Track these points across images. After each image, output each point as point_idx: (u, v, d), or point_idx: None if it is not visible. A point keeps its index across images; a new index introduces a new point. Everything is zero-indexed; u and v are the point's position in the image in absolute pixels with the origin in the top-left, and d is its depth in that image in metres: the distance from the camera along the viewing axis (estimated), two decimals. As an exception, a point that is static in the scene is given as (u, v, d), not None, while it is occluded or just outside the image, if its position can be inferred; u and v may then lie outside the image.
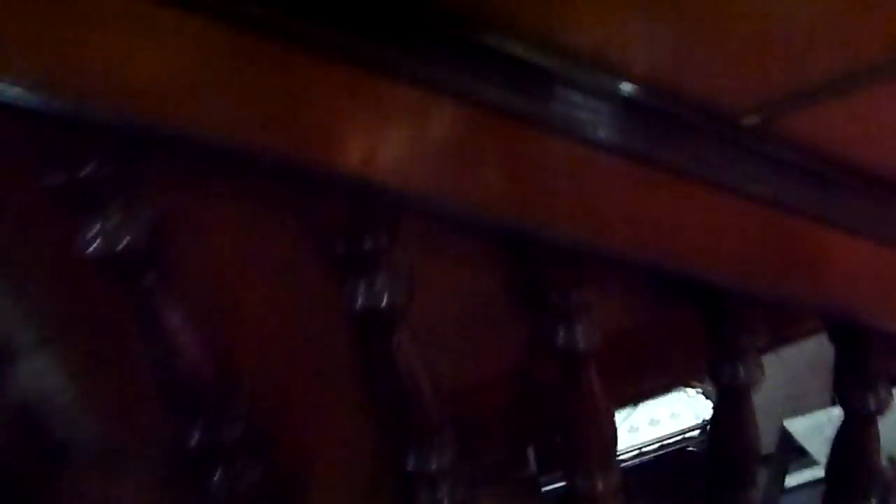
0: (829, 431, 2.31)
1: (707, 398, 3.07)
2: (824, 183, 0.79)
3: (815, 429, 2.35)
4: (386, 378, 0.76)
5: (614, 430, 0.96)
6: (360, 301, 0.68)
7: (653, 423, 3.10)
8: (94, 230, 0.58)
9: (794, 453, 2.52)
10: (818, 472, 2.58)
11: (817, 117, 0.77)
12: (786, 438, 2.43)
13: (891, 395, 1.03)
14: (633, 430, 3.06)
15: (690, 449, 3.04)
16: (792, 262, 0.80)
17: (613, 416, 0.96)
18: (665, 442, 3.04)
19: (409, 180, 0.59)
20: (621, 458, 2.77)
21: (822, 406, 2.90)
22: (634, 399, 1.87)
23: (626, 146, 0.67)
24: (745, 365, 0.90)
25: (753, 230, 0.76)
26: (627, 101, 0.68)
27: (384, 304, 0.68)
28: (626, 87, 0.68)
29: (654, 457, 3.01)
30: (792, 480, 2.69)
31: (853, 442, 1.12)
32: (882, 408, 1.03)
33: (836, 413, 2.33)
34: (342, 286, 0.69)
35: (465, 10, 0.61)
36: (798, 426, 2.40)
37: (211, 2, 0.49)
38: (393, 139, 0.57)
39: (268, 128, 0.53)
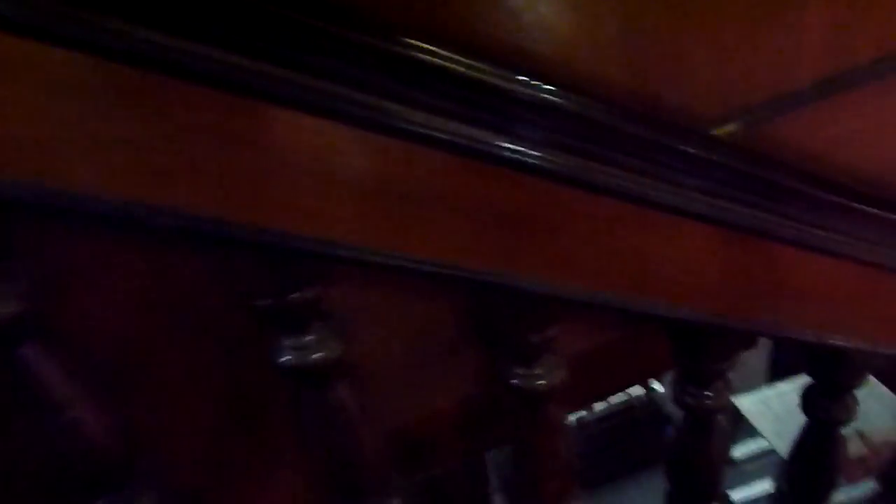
0: (778, 407, 2.36)
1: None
2: (802, 200, 0.74)
3: (763, 404, 2.38)
4: (323, 435, 0.68)
5: (574, 460, 0.90)
6: (288, 358, 0.60)
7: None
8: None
9: (740, 428, 2.57)
10: (763, 444, 2.63)
11: (802, 121, 0.72)
12: (733, 415, 2.46)
13: (857, 402, 1.02)
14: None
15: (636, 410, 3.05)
16: (767, 291, 0.74)
17: (573, 445, 0.91)
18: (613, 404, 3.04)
19: (343, 233, 0.50)
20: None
21: (758, 378, 2.96)
22: (587, 402, 1.84)
23: (587, 175, 0.59)
24: (713, 389, 0.85)
25: (726, 259, 0.70)
26: (591, 121, 0.60)
27: (316, 360, 0.60)
28: (592, 105, 0.60)
29: (602, 419, 3.01)
30: (737, 452, 2.74)
31: (817, 448, 1.09)
32: (848, 416, 1.02)
33: (785, 389, 2.37)
34: (268, 340, 0.60)
35: (393, 16, 0.51)
36: (746, 403, 2.44)
37: (81, 29, 0.38)
38: (321, 186, 0.48)
39: (164, 183, 0.43)
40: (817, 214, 0.74)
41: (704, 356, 0.81)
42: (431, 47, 0.51)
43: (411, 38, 0.50)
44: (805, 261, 0.75)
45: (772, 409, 2.33)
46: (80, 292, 0.55)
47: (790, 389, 2.34)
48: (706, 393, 0.85)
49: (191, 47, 0.40)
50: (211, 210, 0.45)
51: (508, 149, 0.53)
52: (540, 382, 0.72)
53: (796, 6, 0.64)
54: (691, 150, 0.65)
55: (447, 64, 0.52)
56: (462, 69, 0.52)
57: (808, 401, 1.02)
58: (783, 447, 2.32)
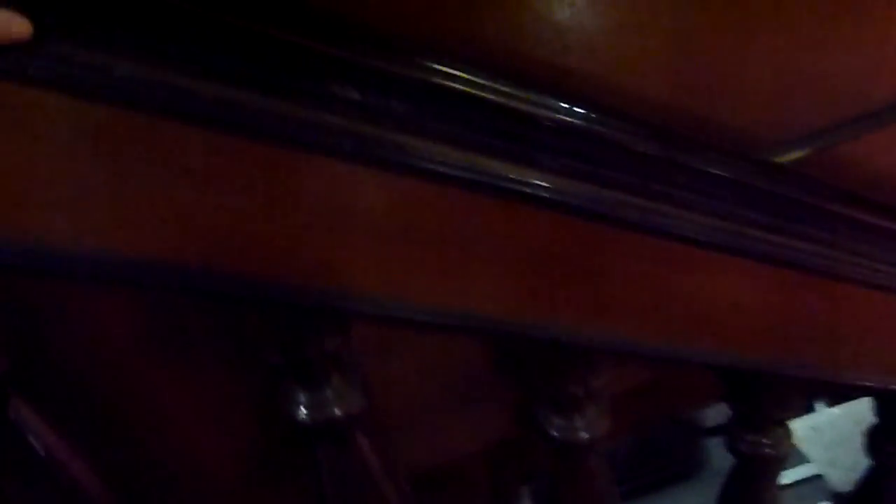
0: (830, 434, 2.25)
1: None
2: (868, 234, 0.66)
3: (814, 430, 2.27)
4: (343, 492, 0.63)
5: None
6: (304, 414, 0.55)
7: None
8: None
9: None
10: (812, 469, 2.52)
11: (878, 145, 0.65)
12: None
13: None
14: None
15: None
16: (828, 335, 0.67)
17: (614, 487, 0.84)
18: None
19: (360, 285, 0.44)
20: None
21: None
22: (635, 429, 1.75)
23: (630, 211, 0.52)
24: (770, 437, 0.78)
25: (783, 300, 0.63)
26: (634, 152, 0.54)
27: (335, 416, 0.55)
28: (634, 131, 0.54)
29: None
30: (784, 478, 2.63)
31: (882, 492, 1.01)
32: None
33: (837, 414, 2.27)
34: (279, 394, 0.55)
35: (413, 35, 0.46)
36: (796, 428, 2.33)
37: (53, 64, 0.33)
38: (334, 233, 0.43)
39: (154, 235, 0.38)
40: (884, 249, 0.67)
41: (762, 402, 0.74)
42: (453, 70, 0.45)
43: (432, 61, 0.44)
44: (870, 300, 0.68)
45: (823, 437, 2.22)
46: (67, 345, 0.50)
47: (842, 415, 2.23)
48: (764, 441, 0.78)
49: (180, 82, 0.35)
50: (211, 264, 0.40)
51: (541, 185, 0.47)
52: (581, 434, 0.66)
53: (871, 20, 0.57)
54: (747, 181, 0.59)
55: (471, 90, 0.46)
56: (489, 95, 0.46)
57: (874, 443, 0.94)
58: (836, 477, 2.21)
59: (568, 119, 0.51)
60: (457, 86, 0.46)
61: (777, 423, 0.77)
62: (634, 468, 2.78)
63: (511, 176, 0.46)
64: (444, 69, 0.46)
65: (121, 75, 0.34)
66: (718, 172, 0.57)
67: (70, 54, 0.33)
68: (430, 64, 0.45)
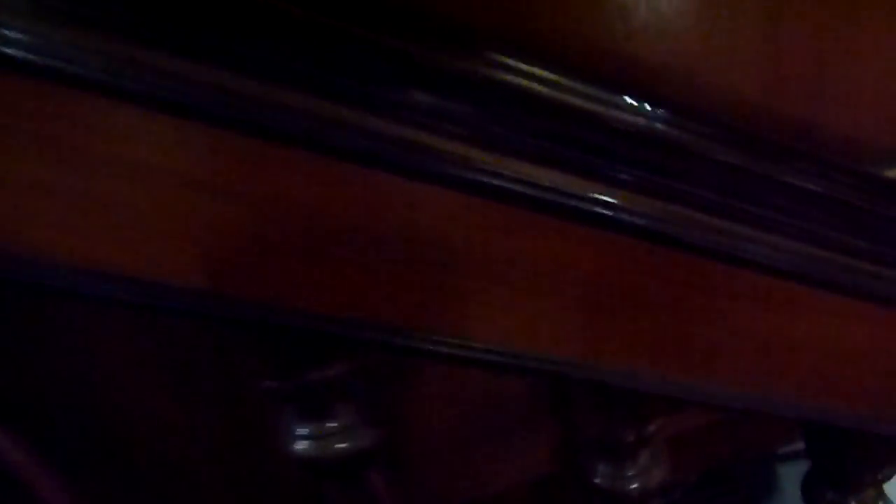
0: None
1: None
2: None
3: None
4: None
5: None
6: (305, 449, 0.48)
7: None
8: None
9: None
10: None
11: None
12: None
13: None
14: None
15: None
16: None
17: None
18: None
19: (375, 312, 0.37)
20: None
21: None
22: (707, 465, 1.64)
23: (712, 238, 0.44)
24: (861, 500, 0.68)
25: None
26: (717, 162, 0.45)
27: (344, 453, 0.48)
28: (716, 137, 0.45)
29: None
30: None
31: None
32: None
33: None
34: (281, 423, 0.48)
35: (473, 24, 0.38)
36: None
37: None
38: (371, 255, 0.36)
39: (160, 255, 0.32)
40: None
41: (855, 461, 0.64)
42: (510, 62, 0.37)
43: (492, 51, 0.36)
44: None
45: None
46: (55, 363, 0.45)
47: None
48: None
49: (175, 67, 0.28)
50: (219, 289, 0.33)
51: (609, 203, 0.39)
52: (632, 486, 0.58)
53: None
54: (854, 200, 0.49)
55: (531, 84, 0.38)
56: (543, 89, 0.38)
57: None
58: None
59: (645, 122, 0.43)
60: (515, 79, 0.38)
61: (870, 485, 0.67)
62: (698, 492, 2.66)
63: (572, 191, 0.38)
64: (503, 60, 0.38)
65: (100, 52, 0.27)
66: (818, 189, 0.48)
67: (36, 30, 0.27)
68: (493, 56, 0.37)
